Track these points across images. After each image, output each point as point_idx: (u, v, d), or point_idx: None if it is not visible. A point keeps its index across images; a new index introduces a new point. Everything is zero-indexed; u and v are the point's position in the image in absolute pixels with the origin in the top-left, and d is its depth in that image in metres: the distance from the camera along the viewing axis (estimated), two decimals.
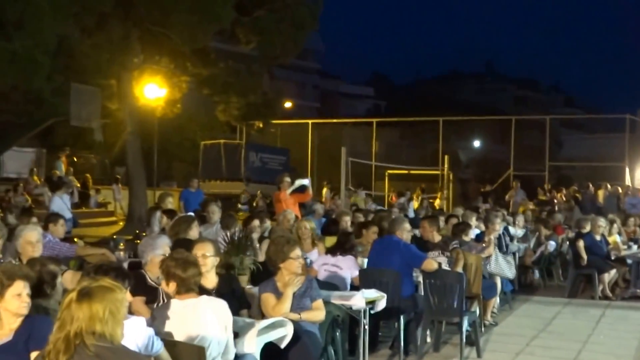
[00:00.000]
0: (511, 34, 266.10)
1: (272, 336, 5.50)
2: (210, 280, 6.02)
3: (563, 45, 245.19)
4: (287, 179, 13.83)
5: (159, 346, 4.51)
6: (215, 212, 11.11)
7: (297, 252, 6.41)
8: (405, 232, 8.68)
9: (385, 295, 7.35)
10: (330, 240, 9.82)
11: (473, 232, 11.51)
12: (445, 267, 9.00)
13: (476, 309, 9.22)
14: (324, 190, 28.01)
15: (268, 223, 11.20)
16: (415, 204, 25.60)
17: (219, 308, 5.02)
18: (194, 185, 17.30)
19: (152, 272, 6.32)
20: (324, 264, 8.39)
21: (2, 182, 25.17)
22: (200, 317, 4.95)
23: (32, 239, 7.08)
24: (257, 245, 8.75)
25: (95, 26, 20.15)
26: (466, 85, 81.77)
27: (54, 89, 19.81)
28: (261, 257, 7.86)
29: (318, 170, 35.59)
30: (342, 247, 8.55)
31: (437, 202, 27.88)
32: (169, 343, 4.70)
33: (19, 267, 5.00)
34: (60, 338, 3.61)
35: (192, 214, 11.35)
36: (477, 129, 49.79)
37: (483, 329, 9.80)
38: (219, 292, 5.82)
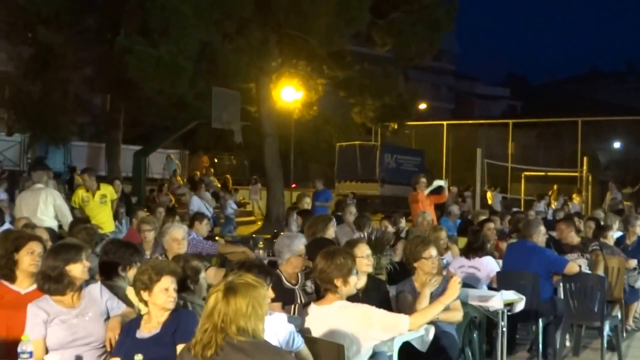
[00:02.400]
0: None
1: (410, 336, 5.52)
2: (362, 281, 6.00)
3: None
4: (424, 180, 13.81)
5: (299, 342, 4.59)
6: (351, 212, 11.22)
7: (431, 252, 6.39)
8: (540, 236, 8.50)
9: (524, 297, 7.25)
10: (463, 241, 9.75)
11: (614, 235, 11.13)
12: (585, 269, 8.77)
13: (618, 313, 8.94)
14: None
15: (403, 223, 11.22)
16: (553, 204, 24.98)
17: (351, 317, 5.04)
18: (318, 186, 17.76)
19: (288, 273, 6.43)
20: (461, 266, 8.34)
21: (148, 183, 26.13)
22: (338, 322, 5.01)
23: (178, 237, 7.38)
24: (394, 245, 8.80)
25: (236, 31, 20.69)
26: (605, 84, 78.97)
27: (196, 92, 20.47)
28: (397, 257, 7.91)
29: (453, 171, 35.24)
30: (472, 247, 8.46)
31: (576, 202, 27.08)
32: (309, 340, 4.78)
33: (166, 263, 5.21)
34: (205, 332, 3.73)
35: (329, 214, 11.50)
36: (618, 130, 47.90)
37: (625, 334, 9.50)
38: (365, 294, 5.89)
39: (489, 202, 26.53)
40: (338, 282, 5.09)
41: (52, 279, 4.81)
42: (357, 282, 5.47)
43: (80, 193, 12.04)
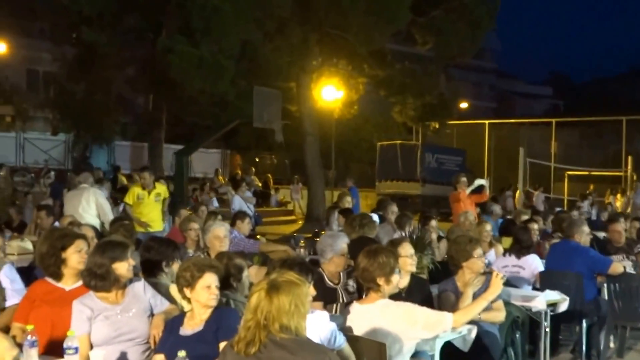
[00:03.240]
0: None
1: (452, 335, 5.49)
2: (405, 280, 6.02)
3: None
4: (464, 179, 13.73)
5: (341, 340, 4.59)
6: (393, 211, 11.18)
7: (480, 251, 6.36)
8: (583, 236, 8.39)
9: (567, 298, 7.17)
10: (507, 242, 9.65)
11: None
12: (630, 270, 8.64)
13: None
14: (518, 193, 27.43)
15: (434, 223, 11.08)
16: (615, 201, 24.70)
17: (393, 315, 5.02)
18: (349, 184, 18.22)
19: (330, 272, 6.42)
20: (505, 266, 8.26)
21: (190, 182, 26.32)
22: (380, 320, 5.00)
23: (220, 234, 7.43)
24: (437, 244, 8.75)
25: (276, 31, 20.78)
26: None
27: (237, 92, 20.58)
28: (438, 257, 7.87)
29: (494, 171, 34.98)
30: (523, 245, 8.36)
31: (617, 204, 26.69)
32: (351, 338, 4.78)
33: (209, 260, 5.24)
34: (248, 329, 3.75)
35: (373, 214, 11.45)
36: None
37: None
38: (408, 293, 5.86)
39: (516, 202, 26.26)
40: (380, 281, 5.07)
41: (98, 276, 4.87)
42: (400, 281, 5.45)
43: (137, 191, 12.26)
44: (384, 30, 21.14)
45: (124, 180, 22.24)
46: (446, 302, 6.14)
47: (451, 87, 32.41)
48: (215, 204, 21.42)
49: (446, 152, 32.85)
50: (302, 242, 10.10)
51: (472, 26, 22.82)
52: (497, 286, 5.58)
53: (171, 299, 5.35)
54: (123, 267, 4.91)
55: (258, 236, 11.45)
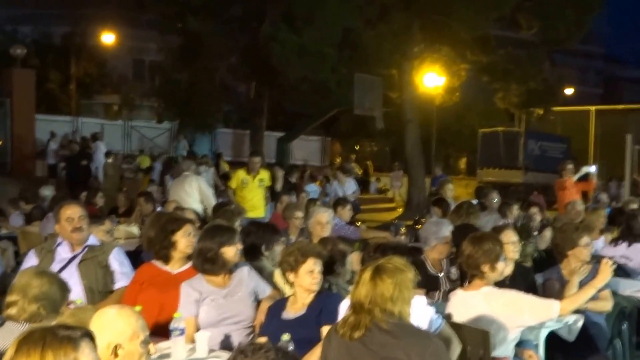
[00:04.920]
0: None
1: (557, 325, 5.37)
2: (509, 268, 5.90)
3: None
4: (571, 166, 13.40)
5: (440, 323, 4.57)
6: (494, 198, 11.01)
7: (587, 239, 6.19)
8: None
9: None
10: (615, 232, 9.37)
11: None
12: None
13: None
14: None
15: (515, 212, 10.82)
16: None
17: (498, 303, 4.93)
18: (437, 172, 18.44)
19: (433, 259, 6.39)
20: (611, 257, 8.00)
21: (290, 169, 26.53)
22: (484, 308, 4.94)
23: (323, 220, 7.47)
24: (536, 233, 8.58)
25: (378, 17, 20.69)
26: None
27: (338, 79, 20.64)
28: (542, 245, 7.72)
29: (600, 158, 34.01)
30: (632, 232, 8.09)
31: None
32: (454, 325, 4.74)
33: (312, 245, 5.28)
34: (353, 314, 3.78)
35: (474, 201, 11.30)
36: None
37: None
38: (512, 281, 5.76)
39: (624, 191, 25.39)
40: (485, 268, 4.99)
41: (208, 259, 4.97)
42: (505, 268, 5.35)
43: (242, 175, 12.30)
44: (489, 15, 20.78)
45: (226, 167, 22.62)
46: (551, 291, 6.01)
47: (556, 73, 31.62)
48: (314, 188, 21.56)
49: (550, 139, 32.11)
50: (403, 229, 10.04)
51: (580, 9, 22.14)
52: (606, 273, 5.40)
53: (272, 283, 5.42)
54: (231, 251, 5.00)
55: (358, 223, 11.45)
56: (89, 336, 2.61)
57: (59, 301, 4.04)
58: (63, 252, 5.77)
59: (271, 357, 2.45)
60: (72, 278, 5.52)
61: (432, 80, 23.74)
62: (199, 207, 11.07)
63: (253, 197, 12.13)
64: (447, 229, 6.56)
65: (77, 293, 5.36)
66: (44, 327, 2.62)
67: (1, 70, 22.89)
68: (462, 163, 40.38)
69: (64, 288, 4.14)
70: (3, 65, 23.25)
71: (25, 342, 2.49)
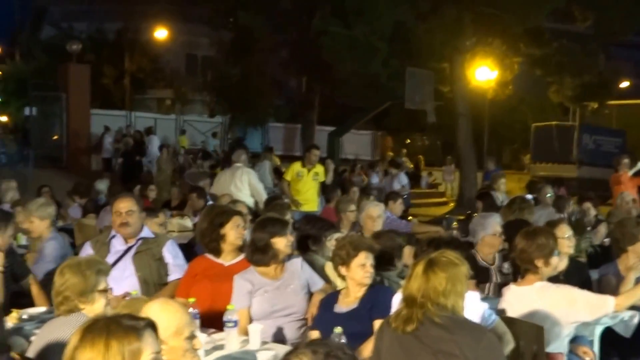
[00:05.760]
0: None
1: (612, 321, 5.28)
2: (563, 263, 5.81)
3: None
4: (626, 160, 13.14)
5: (493, 318, 4.53)
6: (548, 193, 10.88)
7: None
8: None
9: None
10: None
11: None
12: None
13: None
14: None
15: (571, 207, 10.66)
16: None
17: (552, 298, 4.86)
18: (490, 166, 17.82)
19: (483, 252, 6.33)
20: None
21: (341, 163, 26.57)
22: (538, 303, 4.88)
23: (374, 214, 7.47)
24: (590, 228, 8.46)
25: (429, 11, 20.58)
26: None
27: (390, 73, 20.58)
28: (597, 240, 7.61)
29: None
30: None
31: None
32: (507, 320, 4.69)
33: (364, 239, 5.28)
34: (406, 307, 3.77)
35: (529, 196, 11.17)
36: None
37: None
38: (566, 276, 5.69)
39: None
40: (539, 263, 4.92)
41: (259, 249, 5.00)
42: (559, 263, 5.28)
43: (297, 167, 12.17)
44: (542, 8, 20.51)
45: (277, 162, 22.68)
46: (607, 287, 5.92)
47: (611, 66, 31.05)
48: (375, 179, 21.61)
49: (605, 133, 31.61)
50: (454, 223, 9.97)
51: (635, 0, 21.75)
52: None
53: (324, 276, 5.43)
54: (282, 242, 5.02)
55: (410, 217, 11.41)
56: (152, 326, 2.63)
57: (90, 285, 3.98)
58: (117, 245, 5.84)
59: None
60: (127, 270, 5.61)
61: (484, 73, 23.50)
62: (250, 201, 11.03)
63: (307, 190, 12.02)
64: (494, 221, 6.45)
65: (132, 285, 5.45)
66: (108, 317, 2.65)
67: (57, 65, 23.29)
68: (514, 157, 39.96)
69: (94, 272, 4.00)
70: (59, 61, 23.66)
71: (90, 330, 2.52)
